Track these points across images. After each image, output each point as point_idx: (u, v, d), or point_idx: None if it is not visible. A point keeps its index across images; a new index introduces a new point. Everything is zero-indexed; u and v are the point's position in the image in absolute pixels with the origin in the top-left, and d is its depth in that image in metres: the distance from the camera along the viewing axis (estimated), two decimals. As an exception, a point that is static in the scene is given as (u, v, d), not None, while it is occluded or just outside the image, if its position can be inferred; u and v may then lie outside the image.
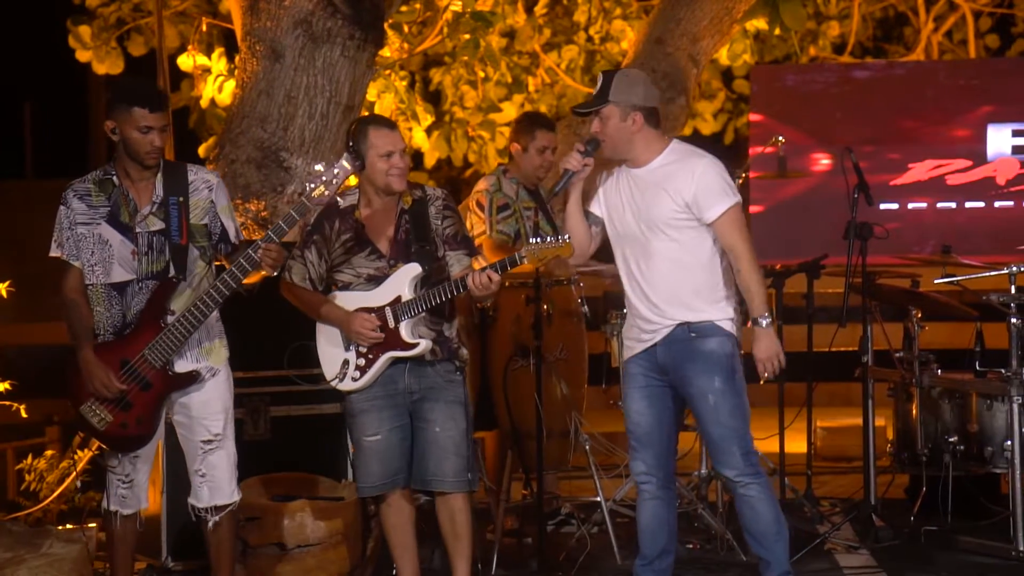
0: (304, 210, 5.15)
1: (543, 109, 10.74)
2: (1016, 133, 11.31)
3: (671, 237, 5.25)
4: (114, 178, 5.22)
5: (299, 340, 5.99)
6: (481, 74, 10.46)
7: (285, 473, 6.29)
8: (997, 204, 11.30)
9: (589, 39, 10.92)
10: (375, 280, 5.41)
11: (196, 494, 5.32)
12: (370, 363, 5.39)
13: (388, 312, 5.36)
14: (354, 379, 5.41)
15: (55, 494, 7.22)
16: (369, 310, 5.37)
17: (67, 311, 5.20)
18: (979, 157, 11.33)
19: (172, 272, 5.17)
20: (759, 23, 9.43)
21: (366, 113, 8.87)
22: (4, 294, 7.24)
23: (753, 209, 11.17)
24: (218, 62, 8.95)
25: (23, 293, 7.45)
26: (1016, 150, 11.29)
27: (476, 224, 6.80)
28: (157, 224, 5.19)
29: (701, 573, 6.22)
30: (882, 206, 10.75)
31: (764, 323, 5.21)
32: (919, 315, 7.07)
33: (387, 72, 9.00)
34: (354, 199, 5.46)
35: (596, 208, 5.46)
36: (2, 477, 8.15)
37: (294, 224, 5.16)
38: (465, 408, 5.46)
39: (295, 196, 7.22)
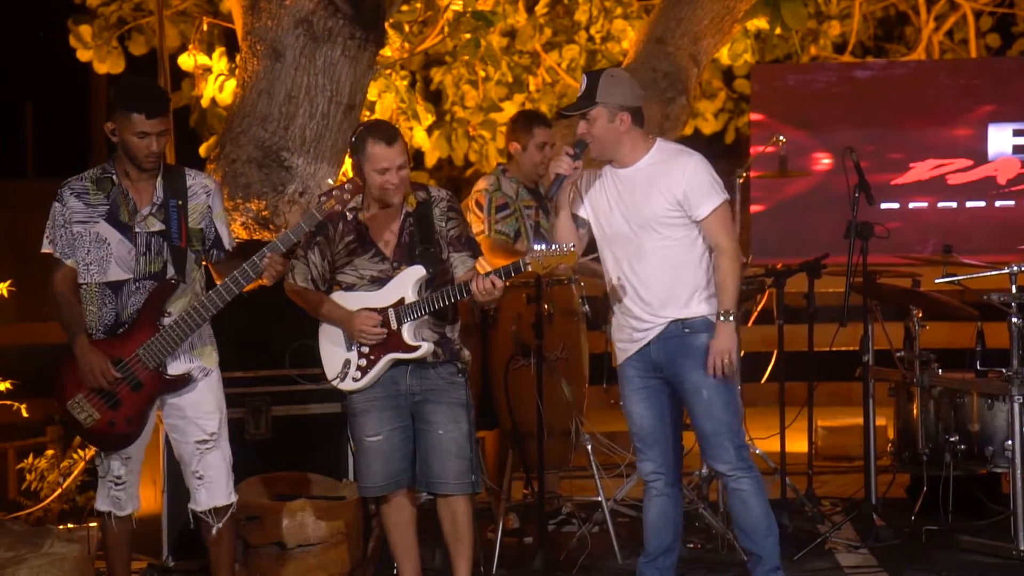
0: (314, 222, 5.17)
1: (544, 109, 10.73)
2: (1017, 132, 11.29)
3: (663, 235, 5.28)
4: (113, 177, 5.22)
5: (300, 340, 5.99)
6: (482, 73, 10.45)
7: (286, 472, 6.29)
8: (998, 204, 11.28)
9: (590, 39, 10.92)
10: (378, 282, 5.41)
11: (194, 497, 5.31)
12: (371, 364, 5.39)
13: (391, 314, 5.36)
14: (355, 379, 5.41)
15: (56, 493, 7.23)
16: (372, 311, 5.37)
17: (57, 307, 5.20)
18: (980, 156, 11.32)
19: (171, 274, 5.17)
20: (760, 22, 9.42)
21: (367, 114, 8.88)
22: (5, 294, 7.24)
23: (754, 209, 11.17)
24: (219, 61, 8.95)
25: (24, 293, 7.46)
26: (1017, 149, 11.27)
27: (475, 224, 6.80)
28: (157, 225, 5.19)
29: (702, 572, 6.22)
30: (883, 205, 10.73)
31: (729, 318, 5.24)
32: (920, 315, 7.07)
33: (388, 72, 9.00)
34: (358, 200, 5.46)
35: (581, 210, 5.46)
36: (3, 476, 8.16)
37: (302, 234, 5.19)
38: (467, 410, 5.45)
39: (296, 196, 7.22)
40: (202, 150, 8.71)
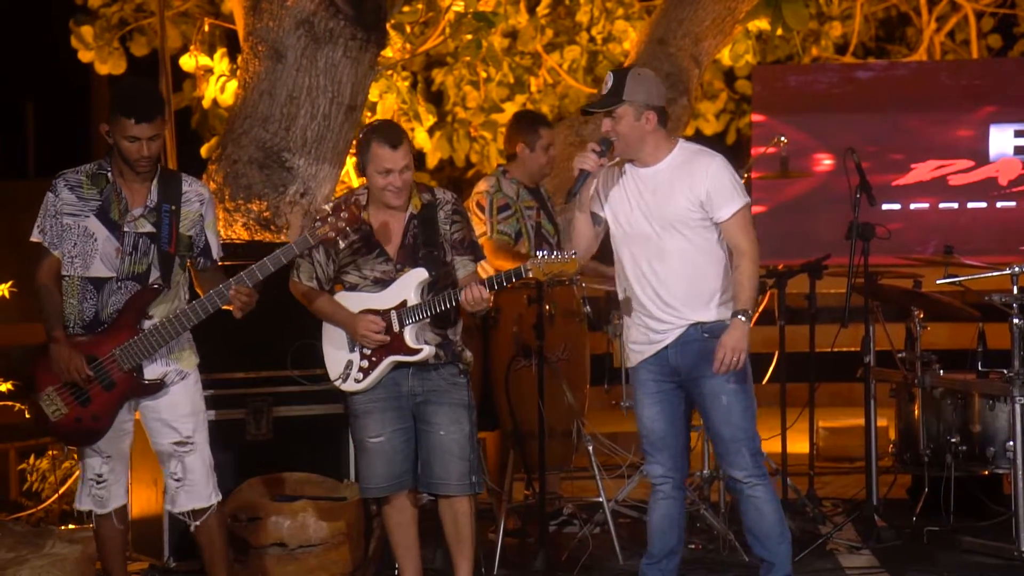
0: (306, 245, 5.17)
1: (545, 109, 10.74)
2: (1018, 133, 11.30)
3: (685, 236, 5.25)
4: (108, 174, 5.22)
5: (302, 340, 5.99)
6: (483, 74, 10.45)
7: (287, 473, 6.29)
8: (999, 204, 11.29)
9: (591, 39, 10.92)
10: (381, 283, 5.41)
11: (172, 500, 5.30)
12: (373, 365, 5.40)
13: (393, 316, 5.36)
14: (357, 380, 5.41)
15: (57, 494, 7.23)
16: (374, 312, 5.37)
17: (40, 297, 5.22)
18: (981, 157, 11.33)
19: (155, 277, 5.17)
20: (761, 23, 9.43)
21: (368, 114, 8.88)
22: (7, 294, 7.24)
23: (755, 209, 11.09)
24: (220, 62, 8.95)
25: (26, 293, 7.45)
26: (1018, 150, 11.27)
27: (476, 225, 6.80)
28: (147, 227, 5.19)
29: (703, 573, 6.22)
30: (884, 206, 10.76)
31: (744, 318, 5.20)
32: (921, 315, 7.07)
33: (389, 72, 9.01)
34: (364, 200, 5.45)
35: (599, 208, 5.42)
36: (4, 477, 8.16)
37: (292, 256, 5.18)
38: (469, 411, 5.46)
39: (297, 196, 7.22)
40: (203, 151, 8.72)
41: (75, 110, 14.08)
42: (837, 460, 8.85)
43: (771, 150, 8.08)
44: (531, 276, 5.26)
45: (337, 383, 5.47)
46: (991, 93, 11.38)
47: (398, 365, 5.40)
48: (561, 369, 6.64)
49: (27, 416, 7.34)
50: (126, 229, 5.19)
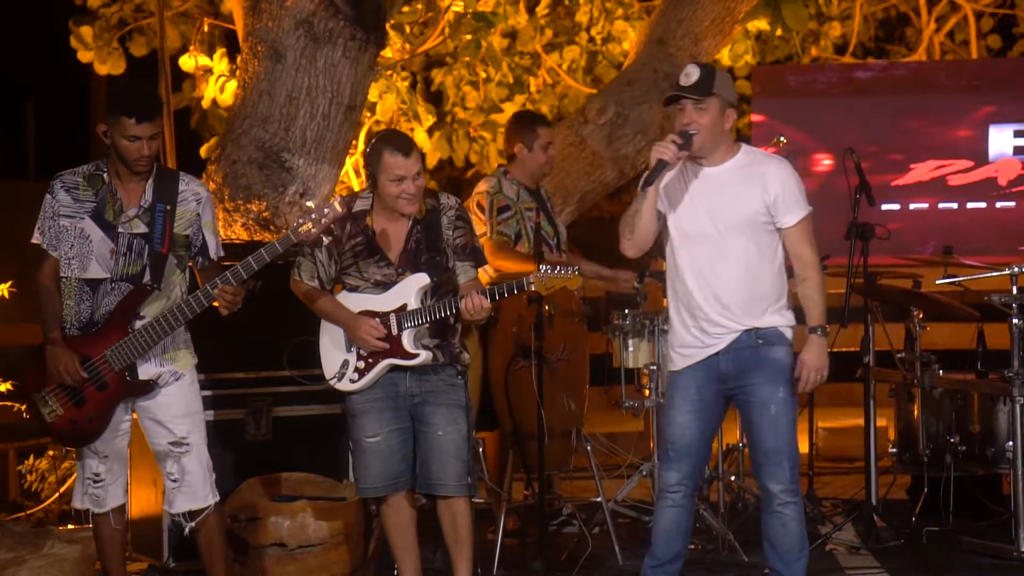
0: (288, 243, 5.16)
1: (544, 110, 10.73)
2: (1018, 133, 11.30)
3: (749, 239, 5.17)
4: (104, 175, 5.23)
5: (299, 338, 5.99)
6: (483, 75, 10.45)
7: (286, 473, 6.29)
8: (999, 205, 11.29)
9: (591, 40, 10.91)
10: (382, 286, 5.41)
11: (169, 500, 5.31)
12: (369, 367, 5.40)
13: (392, 319, 5.36)
14: (352, 380, 5.41)
15: (56, 494, 7.23)
16: (374, 314, 5.37)
17: (39, 298, 5.24)
18: (981, 157, 11.33)
19: (148, 277, 5.18)
20: (761, 24, 9.42)
21: (368, 115, 8.88)
22: (6, 295, 7.24)
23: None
24: (220, 63, 8.95)
25: (26, 293, 7.45)
26: (1018, 150, 11.27)
27: (476, 225, 6.79)
28: (140, 228, 5.20)
29: (703, 574, 6.22)
30: (884, 206, 10.75)
31: (822, 334, 5.17)
32: (921, 315, 7.08)
33: (389, 73, 9.00)
34: (367, 203, 5.45)
35: (659, 205, 5.27)
36: (4, 477, 8.16)
37: (276, 254, 5.16)
38: (467, 412, 5.46)
39: (296, 196, 7.22)
40: (203, 151, 8.71)
41: (75, 110, 14.09)
42: (836, 460, 8.86)
43: (771, 150, 8.06)
44: (533, 288, 5.27)
45: (332, 382, 5.47)
46: (990, 93, 11.38)
47: (395, 367, 5.40)
48: (560, 369, 6.64)
49: (26, 416, 7.36)
50: (120, 230, 5.20)
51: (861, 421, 7.07)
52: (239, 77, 7.67)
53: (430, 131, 9.88)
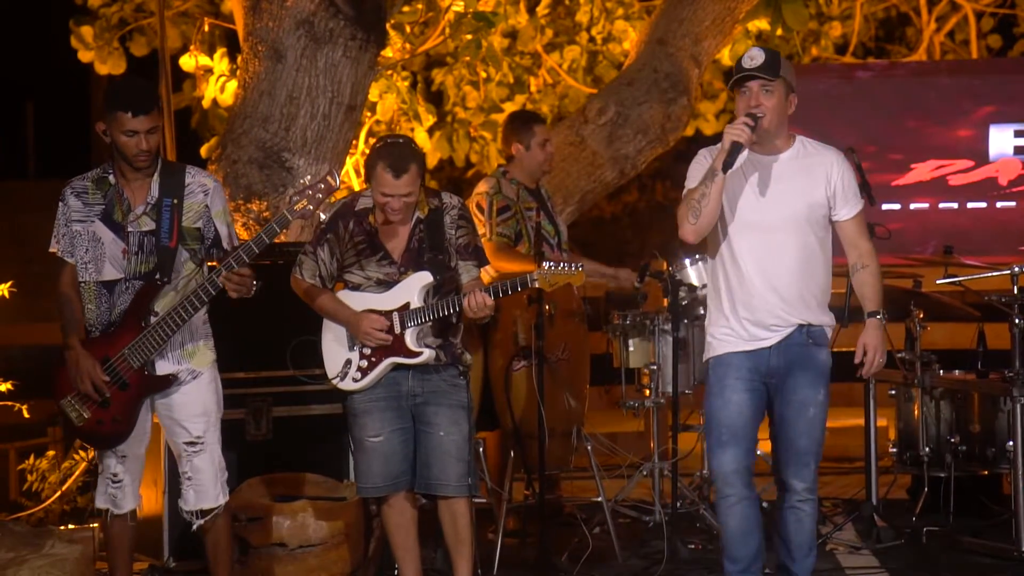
0: (286, 223, 5.14)
1: (544, 110, 10.73)
2: (1018, 133, 11.29)
3: (808, 231, 5.06)
4: (111, 176, 5.24)
5: (301, 337, 5.99)
6: (483, 74, 10.44)
7: (287, 473, 6.29)
8: (999, 204, 11.28)
9: (591, 39, 10.90)
10: (384, 284, 5.42)
11: (183, 497, 5.32)
12: (372, 365, 5.40)
13: (395, 317, 5.37)
14: (355, 379, 5.42)
15: (57, 494, 7.23)
16: (376, 313, 5.37)
17: (59, 306, 5.24)
18: (981, 157, 11.32)
19: (157, 273, 5.18)
20: (761, 23, 9.42)
21: (368, 115, 8.88)
22: (6, 294, 7.24)
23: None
24: (220, 62, 8.95)
25: (26, 293, 7.46)
26: (1018, 150, 11.26)
27: (477, 226, 6.79)
28: (149, 225, 5.20)
29: (703, 573, 6.22)
30: (884, 206, 10.74)
31: (881, 318, 5.11)
32: (921, 315, 7.08)
33: (389, 72, 9.00)
34: (370, 201, 5.45)
35: None
36: (4, 477, 8.16)
37: (275, 235, 5.14)
38: (468, 412, 5.46)
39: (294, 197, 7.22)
40: (203, 151, 8.72)
41: (75, 111, 14.08)
42: (837, 460, 8.85)
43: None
44: (537, 285, 5.26)
45: (334, 381, 5.47)
46: (991, 93, 11.38)
47: (398, 366, 5.40)
48: (561, 369, 6.65)
49: (26, 416, 7.37)
50: (130, 229, 5.20)
51: (861, 421, 7.08)
52: (239, 77, 7.67)
53: (430, 131, 9.88)
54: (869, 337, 5.11)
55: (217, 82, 8.89)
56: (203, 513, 5.29)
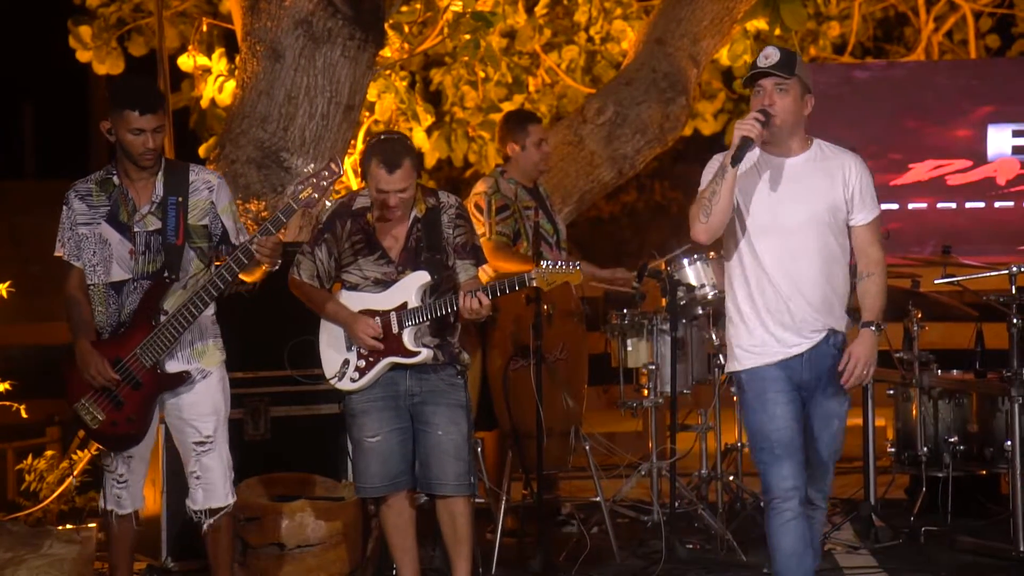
0: (291, 212, 5.14)
1: (543, 109, 10.73)
2: (1016, 133, 11.29)
3: (827, 235, 4.93)
4: (115, 178, 5.24)
5: (299, 338, 5.99)
6: (481, 74, 10.44)
7: (285, 473, 6.29)
8: (997, 204, 11.28)
9: (589, 39, 10.90)
10: (382, 284, 5.42)
11: (192, 496, 5.32)
12: (370, 366, 5.40)
13: (393, 317, 5.37)
14: (353, 380, 5.42)
15: (55, 494, 7.23)
16: (374, 313, 5.38)
17: (68, 308, 5.24)
18: (979, 157, 11.32)
19: (166, 272, 5.18)
20: (759, 23, 9.41)
21: (367, 114, 8.87)
22: (4, 294, 7.24)
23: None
24: (218, 62, 8.94)
25: (24, 293, 7.46)
26: (1016, 150, 11.27)
27: (476, 226, 6.79)
28: (155, 224, 5.20)
29: (701, 573, 6.22)
30: (882, 206, 10.67)
31: (876, 330, 4.94)
32: (919, 315, 7.08)
33: (387, 72, 9.00)
34: (367, 200, 5.45)
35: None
36: (2, 477, 8.16)
37: (281, 226, 5.13)
38: (467, 411, 5.46)
39: (290, 193, 7.22)
40: (201, 151, 8.70)
41: (73, 111, 14.09)
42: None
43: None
44: (535, 285, 5.26)
45: (332, 381, 5.48)
46: (989, 93, 11.38)
47: (396, 366, 5.40)
48: (559, 369, 6.65)
49: (24, 416, 7.36)
50: (136, 229, 5.20)
51: (860, 421, 7.07)
52: (238, 77, 7.67)
53: (429, 131, 9.88)
54: (859, 347, 4.92)
55: (215, 82, 8.88)
56: (212, 512, 5.29)
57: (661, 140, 8.83)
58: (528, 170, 7.04)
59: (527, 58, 10.89)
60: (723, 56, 9.90)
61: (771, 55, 4.92)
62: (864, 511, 6.84)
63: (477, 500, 5.96)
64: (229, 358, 5.38)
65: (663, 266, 6.82)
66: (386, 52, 8.65)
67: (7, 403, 7.31)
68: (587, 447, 6.71)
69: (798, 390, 4.95)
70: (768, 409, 4.91)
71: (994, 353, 6.91)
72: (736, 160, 4.81)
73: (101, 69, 9.71)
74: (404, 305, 5.37)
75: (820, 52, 12.22)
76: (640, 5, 10.71)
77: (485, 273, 6.28)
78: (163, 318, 5.16)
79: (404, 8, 8.84)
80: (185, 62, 9.12)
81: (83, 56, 9.67)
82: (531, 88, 10.96)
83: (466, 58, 10.02)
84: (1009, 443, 6.39)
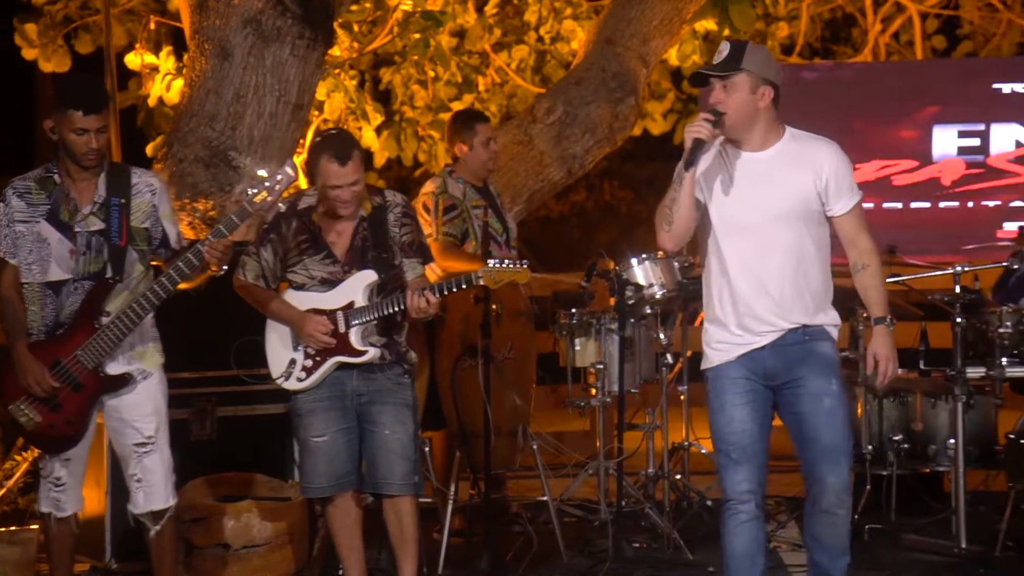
0: (245, 215, 5.11)
1: (493, 109, 10.74)
2: (962, 134, 11.41)
3: (799, 229, 4.79)
4: (55, 176, 5.19)
5: (245, 337, 5.97)
6: (431, 73, 10.45)
7: (231, 473, 6.26)
8: (942, 204, 11.39)
9: (539, 39, 10.93)
10: (328, 283, 5.41)
11: (133, 500, 5.29)
12: (317, 365, 5.39)
13: (340, 316, 5.36)
14: (299, 379, 5.40)
15: (-4, 497, 7.16)
16: (321, 312, 5.36)
17: (2, 308, 5.17)
18: (925, 158, 11.43)
19: (109, 273, 5.15)
20: (708, 24, 9.47)
21: (315, 113, 8.85)
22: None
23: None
24: (166, 60, 8.91)
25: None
26: (961, 151, 11.39)
27: (423, 226, 6.79)
28: (97, 224, 5.17)
29: (648, 572, 6.24)
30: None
31: (888, 324, 4.89)
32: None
33: (337, 71, 8.99)
34: (313, 200, 5.44)
35: (699, 194, 4.83)
36: (-55, 479, 8.07)
37: (234, 228, 5.11)
38: (413, 411, 5.46)
39: (242, 196, 7.19)
40: (149, 149, 8.67)
41: (19, 109, 13.95)
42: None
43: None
44: (482, 283, 5.27)
45: (279, 381, 5.46)
46: (935, 94, 11.49)
47: (342, 365, 5.39)
48: (507, 368, 6.65)
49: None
50: (77, 229, 5.16)
51: (805, 419, 7.10)
52: (186, 75, 7.64)
53: (378, 130, 9.88)
54: (878, 346, 4.86)
55: (163, 80, 8.85)
56: (156, 516, 5.26)
57: (610, 140, 8.86)
58: (476, 169, 7.04)
59: (477, 57, 10.90)
60: (672, 56, 9.95)
61: (722, 50, 4.83)
62: (809, 509, 6.87)
63: (424, 500, 5.96)
64: (176, 358, 5.36)
65: (611, 265, 6.84)
66: (335, 51, 8.64)
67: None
68: (535, 446, 6.72)
69: (766, 384, 4.84)
70: (726, 411, 4.84)
71: (939, 352, 6.96)
72: (690, 163, 4.72)
73: (47, 67, 9.65)
74: (351, 304, 5.37)
75: (768, 53, 12.29)
76: (590, 5, 10.75)
77: (433, 273, 6.28)
78: (105, 320, 5.13)
79: (354, 7, 8.84)
80: (133, 60, 9.07)
81: (29, 54, 9.61)
82: (481, 88, 10.97)
83: (416, 57, 10.02)
84: (952, 441, 6.45)
